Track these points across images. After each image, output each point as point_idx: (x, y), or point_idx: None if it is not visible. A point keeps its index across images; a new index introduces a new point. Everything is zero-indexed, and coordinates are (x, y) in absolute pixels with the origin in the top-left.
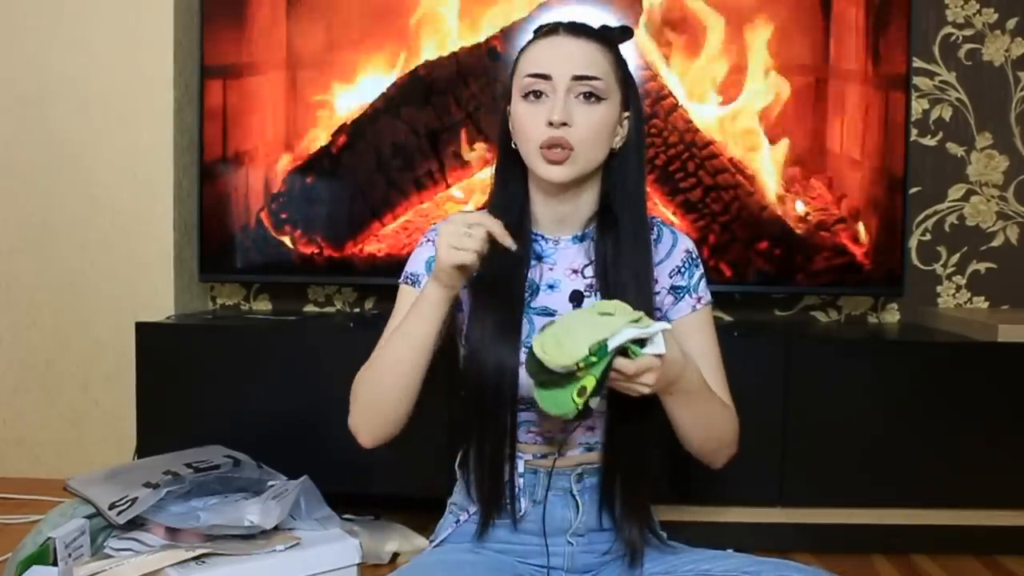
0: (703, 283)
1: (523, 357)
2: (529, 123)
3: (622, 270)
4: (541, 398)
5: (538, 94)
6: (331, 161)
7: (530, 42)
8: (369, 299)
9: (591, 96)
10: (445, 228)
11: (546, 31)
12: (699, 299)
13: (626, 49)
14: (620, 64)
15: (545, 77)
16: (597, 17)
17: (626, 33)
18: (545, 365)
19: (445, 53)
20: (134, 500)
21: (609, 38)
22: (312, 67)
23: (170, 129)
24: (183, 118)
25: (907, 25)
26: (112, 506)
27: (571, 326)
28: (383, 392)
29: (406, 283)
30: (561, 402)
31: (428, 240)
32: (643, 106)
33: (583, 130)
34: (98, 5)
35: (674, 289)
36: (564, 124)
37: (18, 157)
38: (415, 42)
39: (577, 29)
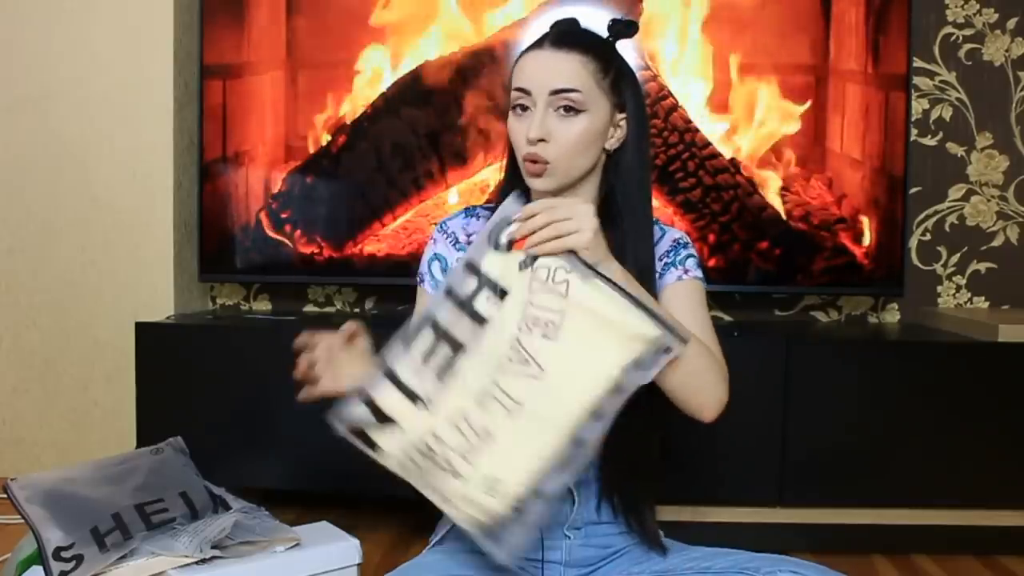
0: (691, 261)
1: None
2: (515, 136)
3: (624, 264)
4: None
5: (523, 107)
6: (331, 161)
7: (522, 52)
8: (369, 299)
9: (570, 109)
10: None
11: (535, 43)
12: (685, 271)
13: (626, 50)
14: (609, 69)
15: (526, 92)
16: (597, 16)
17: (630, 28)
18: None
19: (446, 53)
20: (80, 559)
21: (597, 42)
22: (312, 67)
23: (170, 129)
24: (183, 118)
25: (907, 25)
26: (57, 553)
27: None
28: None
29: (418, 281)
30: None
31: (435, 235)
32: (645, 104)
33: (560, 145)
34: (98, 5)
35: (664, 267)
36: (541, 140)
37: (18, 157)
38: (415, 42)
39: (563, 40)
